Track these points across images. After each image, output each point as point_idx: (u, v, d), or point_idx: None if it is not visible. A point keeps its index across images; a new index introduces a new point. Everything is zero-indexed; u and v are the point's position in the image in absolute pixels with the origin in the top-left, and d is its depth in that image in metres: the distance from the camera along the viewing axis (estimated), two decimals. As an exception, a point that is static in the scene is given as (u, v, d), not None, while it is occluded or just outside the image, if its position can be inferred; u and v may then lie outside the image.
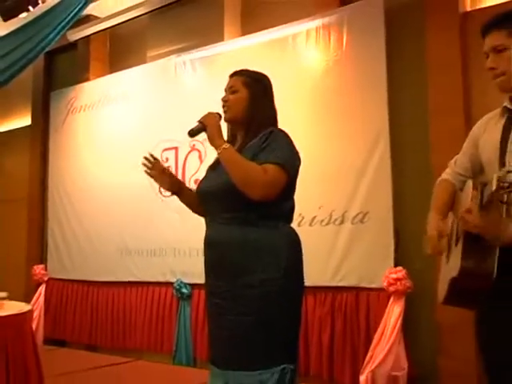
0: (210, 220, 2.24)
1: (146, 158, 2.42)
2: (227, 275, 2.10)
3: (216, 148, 2.17)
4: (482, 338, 1.92)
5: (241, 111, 2.26)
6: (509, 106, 1.92)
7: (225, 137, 2.26)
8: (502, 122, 1.92)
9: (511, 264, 1.72)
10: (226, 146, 2.14)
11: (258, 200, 2.05)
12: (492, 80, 1.93)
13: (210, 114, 2.26)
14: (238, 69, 2.39)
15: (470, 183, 1.90)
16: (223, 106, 2.30)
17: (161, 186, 2.46)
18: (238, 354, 2.02)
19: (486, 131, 2.00)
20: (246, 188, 2.05)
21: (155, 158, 2.43)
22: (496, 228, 1.66)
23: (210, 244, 2.22)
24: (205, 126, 2.22)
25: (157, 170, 2.40)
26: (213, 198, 2.21)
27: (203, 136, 2.27)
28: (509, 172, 1.48)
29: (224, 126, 2.30)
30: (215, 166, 2.27)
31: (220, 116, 2.27)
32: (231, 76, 2.36)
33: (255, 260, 2.07)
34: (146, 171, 2.43)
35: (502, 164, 1.81)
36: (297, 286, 2.16)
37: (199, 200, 2.33)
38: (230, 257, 2.11)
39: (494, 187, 1.53)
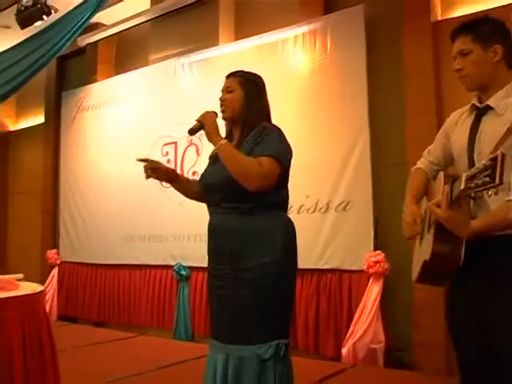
0: (212, 210, 2.21)
1: (139, 160, 2.35)
2: (227, 260, 2.08)
3: (214, 144, 2.13)
4: (449, 316, 1.94)
5: (237, 109, 2.20)
6: (476, 104, 1.91)
7: (223, 134, 2.23)
8: (472, 118, 1.90)
9: (473, 252, 1.73)
10: (224, 141, 2.11)
11: (254, 190, 2.02)
12: (459, 80, 1.91)
13: (207, 112, 2.21)
14: (234, 70, 2.33)
15: (441, 175, 1.91)
16: (221, 105, 2.25)
17: (159, 180, 2.40)
18: (239, 330, 2.01)
19: (457, 126, 1.98)
20: (242, 180, 2.02)
21: (145, 160, 2.35)
22: (460, 224, 1.68)
23: (212, 231, 2.19)
24: (203, 124, 2.17)
25: (150, 169, 2.34)
26: (213, 190, 2.17)
27: (199, 132, 2.22)
28: (475, 175, 1.46)
29: (221, 123, 2.25)
30: (215, 160, 2.22)
31: (216, 114, 2.22)
32: (228, 77, 2.30)
33: (253, 246, 2.04)
34: (146, 176, 2.36)
35: (471, 159, 1.82)
36: (291, 269, 2.13)
37: (202, 192, 2.28)
38: (229, 243, 2.09)
39: (462, 186, 1.53)
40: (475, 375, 1.80)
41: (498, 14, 1.97)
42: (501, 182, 1.38)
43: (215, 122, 2.16)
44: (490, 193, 1.45)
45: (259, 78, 2.32)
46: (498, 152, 1.39)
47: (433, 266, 1.77)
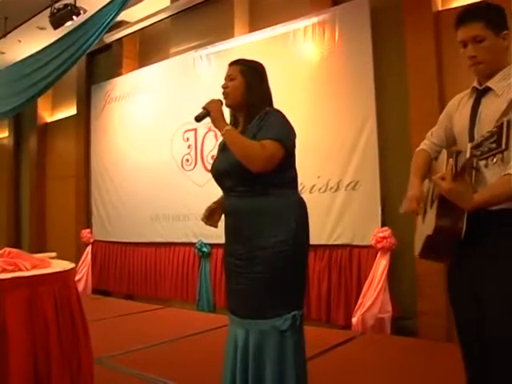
0: (226, 194, 2.15)
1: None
2: (243, 239, 2.02)
3: (219, 130, 2.06)
4: (450, 289, 1.89)
5: (238, 96, 2.11)
6: (477, 87, 1.82)
7: (228, 121, 2.15)
8: (472, 100, 1.83)
9: (475, 226, 1.67)
10: (228, 127, 2.04)
11: (259, 172, 1.96)
12: (470, 67, 1.80)
13: (212, 100, 2.12)
14: (236, 59, 2.23)
15: (444, 152, 1.86)
16: (223, 93, 2.16)
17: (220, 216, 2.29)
18: (256, 305, 1.96)
19: (459, 108, 1.91)
20: (247, 163, 1.95)
21: (204, 218, 2.28)
22: (462, 196, 1.62)
23: (228, 214, 2.13)
24: (208, 111, 2.09)
25: (209, 220, 2.26)
26: (225, 176, 2.11)
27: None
28: (481, 142, 1.39)
29: (227, 110, 2.17)
30: (224, 147, 2.14)
31: (222, 102, 2.14)
32: (230, 65, 2.20)
33: (268, 226, 1.98)
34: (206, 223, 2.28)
35: (471, 136, 1.75)
36: (304, 245, 2.06)
37: (214, 179, 2.21)
38: (244, 224, 2.02)
39: (467, 155, 1.48)
40: (473, 352, 1.76)
41: (498, 1, 1.85)
42: (506, 147, 1.31)
43: (220, 109, 2.09)
44: (495, 159, 1.37)
45: (260, 65, 2.22)
46: (504, 119, 1.32)
47: (436, 240, 1.71)
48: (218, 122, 2.06)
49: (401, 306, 4.28)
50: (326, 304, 4.58)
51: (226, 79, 2.16)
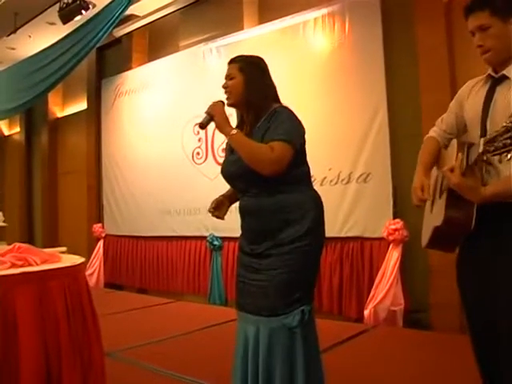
0: (240, 194, 2.12)
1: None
2: (261, 239, 2.00)
3: (225, 135, 2.01)
4: (459, 278, 1.88)
5: (239, 95, 2.05)
6: (493, 74, 1.78)
7: (233, 122, 2.10)
8: (486, 88, 1.79)
9: (484, 218, 1.65)
10: (234, 131, 1.99)
11: (268, 175, 1.92)
12: (480, 56, 1.77)
13: (214, 103, 2.07)
14: (234, 56, 2.17)
15: (455, 142, 1.80)
16: (225, 93, 2.10)
17: (227, 210, 2.25)
18: (269, 303, 1.93)
19: (471, 95, 1.86)
20: (256, 166, 1.92)
21: (212, 209, 2.22)
22: (471, 190, 1.59)
23: (243, 213, 2.10)
24: (212, 116, 2.05)
25: (217, 209, 2.21)
26: (237, 180, 2.08)
27: (229, 110, 2.07)
28: (495, 137, 1.35)
29: (231, 110, 2.12)
30: (232, 150, 2.09)
31: (223, 103, 2.09)
32: (229, 63, 2.15)
33: (284, 223, 1.95)
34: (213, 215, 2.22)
35: (484, 127, 1.71)
36: (319, 241, 2.04)
37: (226, 182, 2.18)
38: (261, 224, 2.00)
39: (480, 150, 1.42)
40: (484, 342, 1.73)
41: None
42: None
43: (224, 111, 2.04)
44: (509, 156, 1.32)
45: (260, 60, 2.15)
46: None
47: (444, 231, 1.69)
48: (222, 126, 2.01)
49: (413, 299, 4.26)
50: (338, 296, 4.56)
51: (226, 78, 2.10)
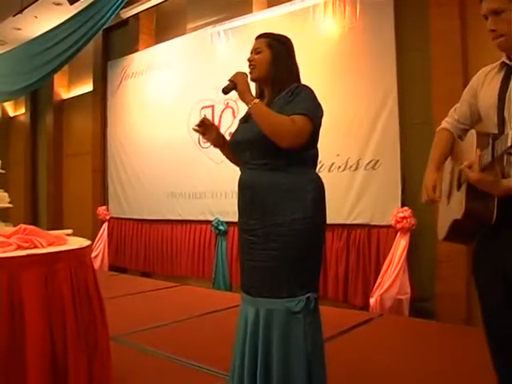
0: (243, 166, 2.09)
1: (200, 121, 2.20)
2: (258, 215, 1.96)
3: (247, 103, 1.99)
4: (475, 270, 1.81)
5: (264, 70, 2.05)
6: (507, 62, 1.71)
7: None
8: (501, 75, 1.72)
9: (503, 210, 1.59)
10: (256, 101, 1.97)
11: (286, 148, 1.89)
12: (492, 41, 1.70)
13: (238, 73, 2.06)
14: (264, 32, 2.17)
15: (473, 134, 1.70)
16: (249, 66, 2.09)
17: (207, 141, 2.24)
18: (269, 284, 1.91)
19: (485, 83, 1.80)
20: (276, 137, 1.89)
21: (204, 118, 2.21)
22: (490, 186, 1.54)
23: (243, 187, 2.07)
24: (235, 84, 2.04)
25: (205, 127, 2.19)
26: (245, 147, 2.05)
27: (235, 95, 2.06)
28: None
29: (252, 84, 2.10)
30: (246, 119, 2.09)
31: (247, 75, 2.07)
32: (257, 38, 2.14)
33: (284, 202, 1.92)
34: (194, 128, 2.20)
35: (501, 116, 1.65)
36: (320, 224, 2.01)
37: (232, 149, 2.17)
38: (260, 198, 1.96)
39: (509, 143, 1.36)
40: (500, 336, 1.68)
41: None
42: None
43: (247, 81, 2.03)
44: None
45: (288, 39, 2.14)
46: None
47: (464, 223, 1.64)
48: (245, 94, 2.00)
49: (419, 288, 4.24)
50: (344, 284, 4.55)
51: (252, 52, 2.09)
